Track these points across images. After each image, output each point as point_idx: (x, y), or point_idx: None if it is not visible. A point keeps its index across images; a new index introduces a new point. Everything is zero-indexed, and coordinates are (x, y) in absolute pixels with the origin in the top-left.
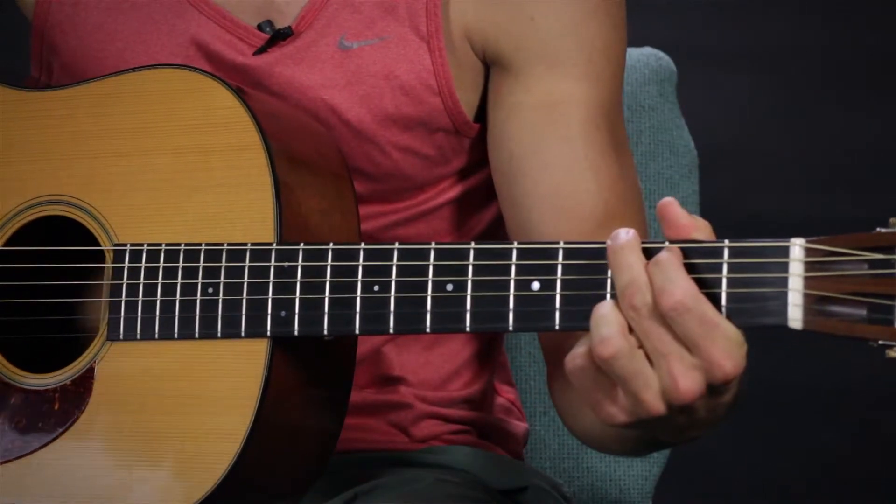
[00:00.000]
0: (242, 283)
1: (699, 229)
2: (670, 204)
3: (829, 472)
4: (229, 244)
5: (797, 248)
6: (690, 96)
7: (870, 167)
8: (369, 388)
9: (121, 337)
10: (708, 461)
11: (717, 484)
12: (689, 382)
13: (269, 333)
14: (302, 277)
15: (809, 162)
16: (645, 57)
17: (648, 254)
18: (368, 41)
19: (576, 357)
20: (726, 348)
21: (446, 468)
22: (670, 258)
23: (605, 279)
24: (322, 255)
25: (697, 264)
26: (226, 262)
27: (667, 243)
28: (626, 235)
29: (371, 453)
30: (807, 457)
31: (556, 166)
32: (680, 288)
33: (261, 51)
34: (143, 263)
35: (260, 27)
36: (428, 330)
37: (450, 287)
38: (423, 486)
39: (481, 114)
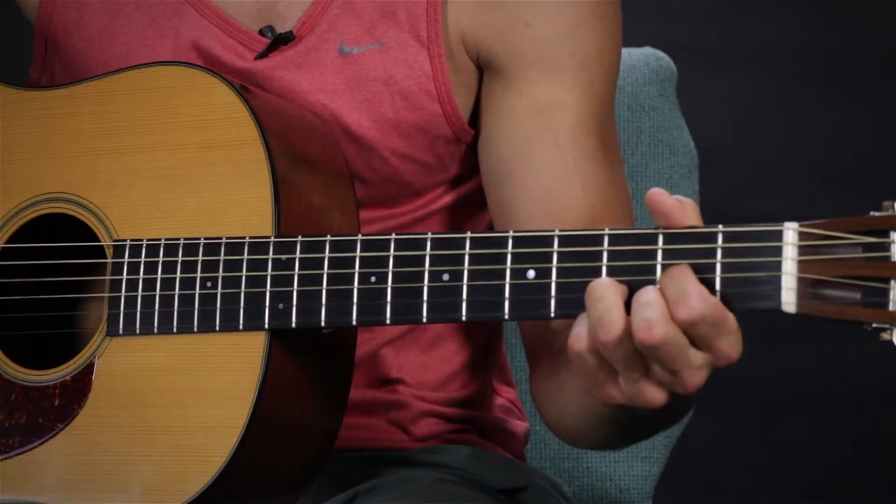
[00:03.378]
0: (241, 276)
1: (686, 211)
2: (656, 193)
3: (829, 472)
4: (228, 238)
5: (791, 232)
6: (690, 96)
7: (869, 167)
8: (368, 388)
9: (120, 332)
10: (708, 461)
11: (717, 484)
12: (696, 380)
13: (266, 326)
14: (300, 269)
15: (809, 162)
16: (645, 57)
17: (643, 239)
18: (368, 46)
19: (580, 339)
20: (733, 340)
21: (446, 468)
22: (681, 269)
23: (601, 266)
24: (320, 247)
25: (692, 249)
26: (224, 255)
27: (660, 231)
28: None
29: (371, 452)
30: (807, 457)
31: (545, 171)
32: (695, 298)
33: (262, 55)
34: (143, 259)
35: (261, 32)
36: (424, 320)
37: (446, 277)
38: (422, 485)
39: (474, 118)
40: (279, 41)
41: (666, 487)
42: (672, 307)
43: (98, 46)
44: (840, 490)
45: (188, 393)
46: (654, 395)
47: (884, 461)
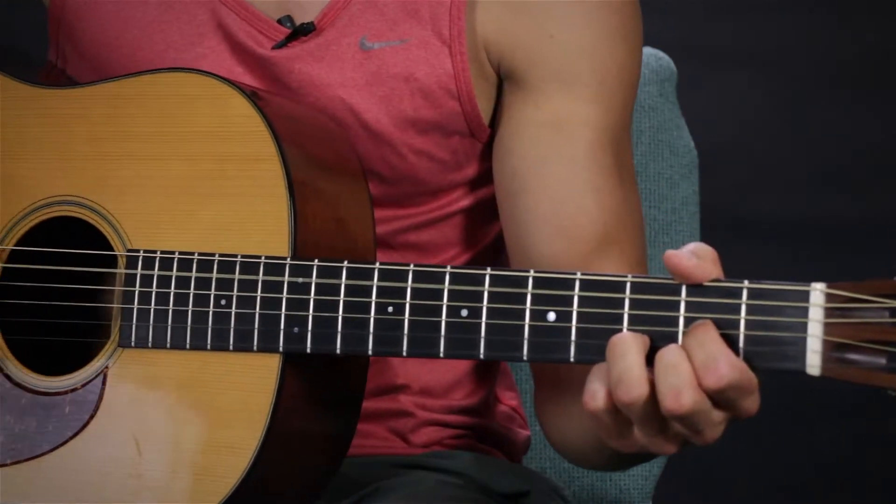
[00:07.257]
0: (255, 296)
1: (707, 268)
2: (673, 256)
3: (829, 472)
4: (243, 256)
5: (818, 292)
6: (690, 96)
7: (870, 167)
8: (370, 395)
9: (132, 344)
10: (708, 461)
11: (717, 484)
12: (716, 434)
13: (281, 349)
14: (315, 294)
15: (809, 162)
16: (645, 57)
17: (666, 290)
18: (390, 42)
19: (596, 397)
20: (756, 399)
21: (449, 472)
22: (706, 330)
23: (623, 313)
24: (336, 273)
25: (715, 304)
26: (239, 274)
27: (684, 282)
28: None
29: (371, 458)
30: (807, 457)
31: (558, 186)
32: (724, 365)
33: (280, 45)
34: (156, 271)
35: (280, 21)
36: (441, 355)
37: (464, 313)
38: (426, 488)
39: (493, 125)
40: (299, 31)
41: (666, 487)
42: (700, 373)
43: (111, 31)
44: (840, 490)
45: (200, 410)
46: (669, 448)
47: (884, 461)
